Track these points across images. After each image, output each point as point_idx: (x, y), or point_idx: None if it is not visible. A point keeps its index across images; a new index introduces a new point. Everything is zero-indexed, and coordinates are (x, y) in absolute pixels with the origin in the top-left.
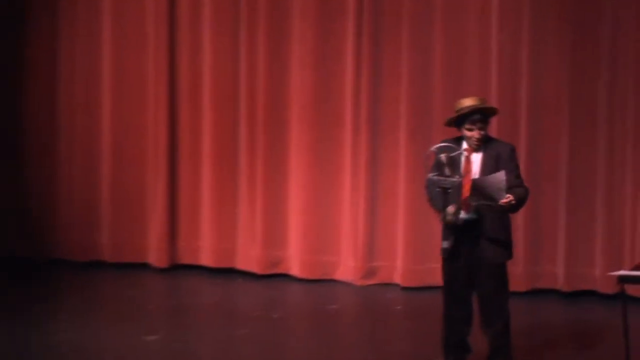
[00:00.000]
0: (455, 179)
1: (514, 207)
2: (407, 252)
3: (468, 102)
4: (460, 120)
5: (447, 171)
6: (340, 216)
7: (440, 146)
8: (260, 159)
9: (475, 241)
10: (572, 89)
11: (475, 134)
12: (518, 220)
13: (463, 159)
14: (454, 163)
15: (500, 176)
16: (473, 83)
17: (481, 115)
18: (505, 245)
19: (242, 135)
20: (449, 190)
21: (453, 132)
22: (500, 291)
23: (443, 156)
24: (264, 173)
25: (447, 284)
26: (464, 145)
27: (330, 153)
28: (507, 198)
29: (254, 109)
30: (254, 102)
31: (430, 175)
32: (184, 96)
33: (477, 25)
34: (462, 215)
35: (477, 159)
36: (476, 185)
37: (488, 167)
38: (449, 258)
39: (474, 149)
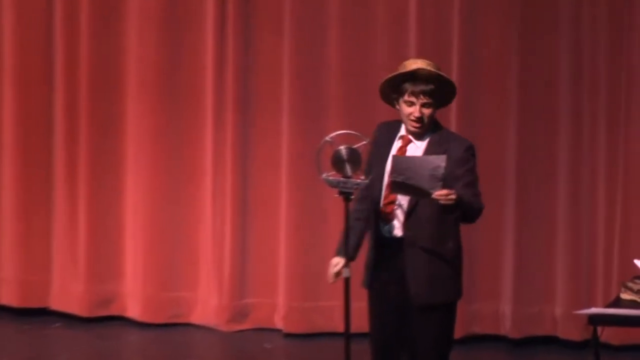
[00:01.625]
0: (360, 180)
1: (456, 209)
2: (291, 284)
3: (416, 65)
4: (398, 88)
5: (348, 170)
6: (198, 235)
7: (340, 134)
8: (84, 156)
9: (402, 270)
10: (523, 58)
11: (414, 110)
12: None
13: (395, 148)
14: (358, 158)
15: (437, 160)
16: (384, 48)
17: (429, 85)
18: (445, 278)
19: (58, 123)
20: (352, 197)
21: (358, 118)
22: (433, 350)
23: (343, 149)
24: (89, 176)
25: (370, 334)
26: (402, 131)
27: (183, 147)
28: (444, 191)
29: (74, 86)
30: (75, 77)
31: (325, 175)
32: None
33: None
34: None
35: (415, 153)
36: (398, 165)
37: None
38: (371, 296)
39: (413, 135)
